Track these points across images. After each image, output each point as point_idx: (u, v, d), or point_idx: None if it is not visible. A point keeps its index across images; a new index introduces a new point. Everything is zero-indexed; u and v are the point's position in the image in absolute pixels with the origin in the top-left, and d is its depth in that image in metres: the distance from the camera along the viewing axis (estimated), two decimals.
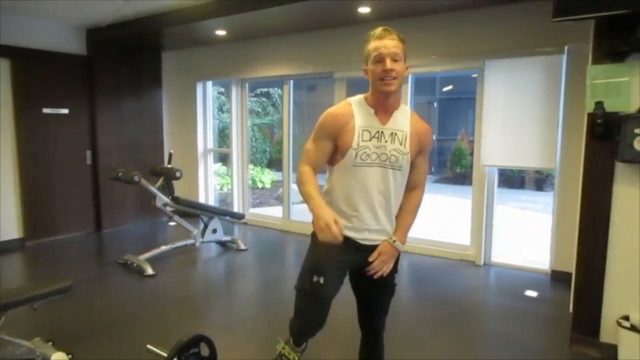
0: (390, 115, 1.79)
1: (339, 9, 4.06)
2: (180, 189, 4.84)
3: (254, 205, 7.23)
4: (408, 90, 4.54)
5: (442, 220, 6.70)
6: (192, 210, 4.65)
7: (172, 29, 4.77)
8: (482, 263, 4.28)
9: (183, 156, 5.96)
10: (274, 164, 9.17)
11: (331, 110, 1.82)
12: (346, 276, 1.91)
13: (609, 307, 2.55)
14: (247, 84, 5.98)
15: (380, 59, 1.68)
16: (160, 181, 4.44)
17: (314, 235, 1.91)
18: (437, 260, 4.45)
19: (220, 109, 7.70)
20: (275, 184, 8.70)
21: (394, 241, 1.85)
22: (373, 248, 1.85)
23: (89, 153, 5.46)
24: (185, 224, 4.58)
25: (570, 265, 2.88)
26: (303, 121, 7.56)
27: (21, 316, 2.67)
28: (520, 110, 3.92)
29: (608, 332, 2.55)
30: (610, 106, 2.41)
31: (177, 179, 4.43)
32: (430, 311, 3.32)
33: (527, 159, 4.02)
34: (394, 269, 1.93)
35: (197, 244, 4.66)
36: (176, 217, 4.56)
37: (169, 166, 4.58)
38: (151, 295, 3.62)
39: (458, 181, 10.72)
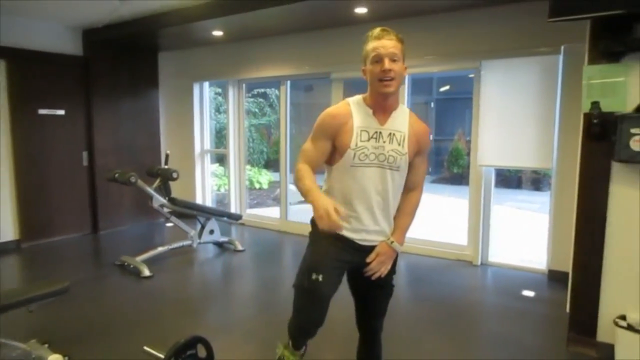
0: (389, 115, 1.79)
1: (335, 10, 4.06)
2: (177, 189, 4.83)
3: (251, 206, 7.21)
4: (405, 90, 4.54)
5: (440, 220, 6.71)
6: (189, 211, 4.64)
7: (168, 29, 4.76)
8: (479, 263, 4.29)
9: (180, 157, 5.95)
10: (271, 164, 9.16)
11: (330, 110, 1.82)
12: (344, 276, 1.91)
13: (605, 306, 2.56)
14: (244, 85, 5.97)
15: (378, 59, 1.68)
16: (157, 182, 4.44)
17: (311, 234, 1.91)
18: (434, 260, 4.45)
19: (217, 109, 7.69)
20: (273, 184, 8.69)
21: (392, 242, 1.85)
22: (371, 249, 1.85)
23: (85, 154, 5.44)
24: (182, 225, 4.57)
25: (567, 265, 2.89)
26: (300, 122, 7.56)
27: (17, 318, 2.65)
28: (516, 111, 3.93)
29: (605, 331, 2.56)
30: (606, 106, 2.42)
31: (174, 179, 4.42)
32: (428, 311, 3.32)
33: (523, 159, 4.04)
34: (392, 270, 1.93)
35: (194, 245, 4.64)
36: (173, 218, 4.55)
37: (166, 167, 4.56)
38: (148, 296, 3.60)
39: (455, 181, 10.74)
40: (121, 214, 5.75)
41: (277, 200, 6.90)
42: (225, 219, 5.08)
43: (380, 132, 1.76)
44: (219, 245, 4.93)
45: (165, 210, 4.48)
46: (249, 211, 6.31)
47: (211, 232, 4.78)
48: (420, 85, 12.61)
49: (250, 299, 3.68)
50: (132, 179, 4.12)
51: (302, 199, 1.71)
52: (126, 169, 4.44)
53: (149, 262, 4.09)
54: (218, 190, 7.54)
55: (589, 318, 2.60)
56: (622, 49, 2.36)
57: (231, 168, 6.06)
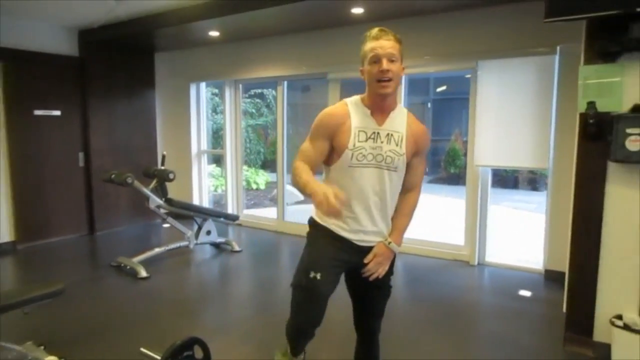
0: (387, 116, 1.78)
1: (332, 10, 4.06)
2: (173, 190, 4.82)
3: (248, 207, 7.21)
4: (402, 90, 4.55)
5: (437, 220, 6.72)
6: (185, 212, 4.63)
7: (165, 29, 4.75)
8: (476, 263, 4.30)
9: (177, 158, 5.93)
10: (268, 165, 9.15)
11: (327, 110, 1.82)
12: (342, 276, 1.90)
13: (602, 306, 2.57)
14: (240, 85, 5.97)
15: (376, 60, 1.67)
16: (153, 183, 4.42)
17: (309, 234, 1.91)
18: (431, 260, 4.46)
19: (214, 110, 7.67)
20: (270, 185, 8.69)
21: (390, 243, 1.85)
22: (369, 249, 1.84)
23: (81, 155, 5.42)
24: (179, 225, 4.56)
25: (563, 265, 2.90)
26: (297, 122, 7.56)
27: (13, 320, 2.64)
28: (513, 111, 3.94)
29: (601, 331, 2.57)
30: (602, 106, 2.43)
31: (170, 180, 4.40)
32: (425, 311, 3.32)
33: (520, 159, 4.05)
34: (390, 271, 1.92)
35: (191, 246, 4.63)
36: (170, 219, 4.54)
37: (162, 168, 4.55)
38: (145, 297, 3.59)
39: (452, 181, 10.75)
40: (118, 215, 5.73)
41: (274, 201, 6.88)
42: (222, 219, 5.07)
43: (378, 133, 1.76)
44: (216, 246, 4.92)
45: (162, 211, 4.47)
46: (246, 212, 6.30)
47: (208, 232, 4.77)
48: (417, 86, 12.62)
49: (247, 300, 3.67)
50: (129, 180, 4.11)
51: (299, 200, 1.70)
52: (122, 170, 4.43)
53: (145, 263, 4.08)
54: (215, 191, 7.53)
55: (586, 318, 2.61)
56: (618, 49, 2.37)
57: (228, 169, 6.05)
